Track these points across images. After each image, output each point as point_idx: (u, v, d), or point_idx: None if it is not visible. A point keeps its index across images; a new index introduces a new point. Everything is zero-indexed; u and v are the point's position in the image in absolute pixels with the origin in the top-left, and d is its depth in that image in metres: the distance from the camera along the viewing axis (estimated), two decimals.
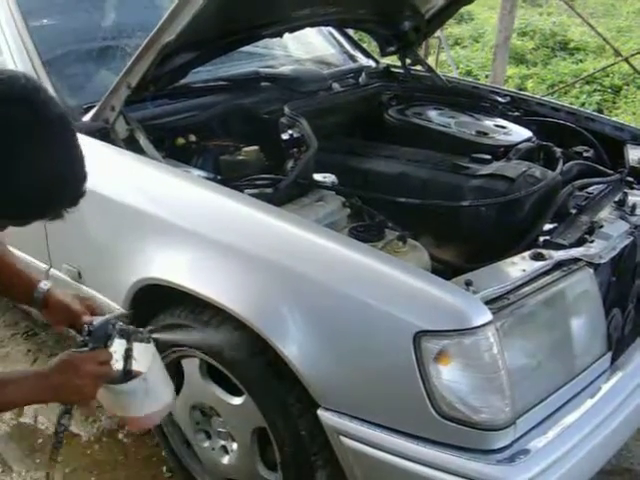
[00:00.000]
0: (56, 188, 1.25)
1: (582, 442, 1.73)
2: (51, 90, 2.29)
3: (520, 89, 7.55)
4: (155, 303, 2.04)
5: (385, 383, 1.63)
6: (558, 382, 1.76)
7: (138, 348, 1.60)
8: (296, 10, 2.49)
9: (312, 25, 2.72)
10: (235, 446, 2.07)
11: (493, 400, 1.57)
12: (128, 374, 1.57)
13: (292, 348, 1.68)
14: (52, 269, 2.39)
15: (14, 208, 1.25)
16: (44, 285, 1.71)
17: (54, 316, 1.72)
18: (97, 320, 1.55)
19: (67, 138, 1.24)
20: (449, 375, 1.56)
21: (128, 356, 1.57)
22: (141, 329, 1.63)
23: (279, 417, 1.83)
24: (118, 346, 1.57)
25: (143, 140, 2.17)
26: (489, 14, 10.81)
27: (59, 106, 1.24)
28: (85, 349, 1.51)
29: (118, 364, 1.56)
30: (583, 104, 7.08)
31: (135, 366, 1.58)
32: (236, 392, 1.96)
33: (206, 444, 2.17)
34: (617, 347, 1.99)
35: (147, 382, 1.59)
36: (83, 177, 1.29)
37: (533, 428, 1.68)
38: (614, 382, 1.93)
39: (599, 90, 7.38)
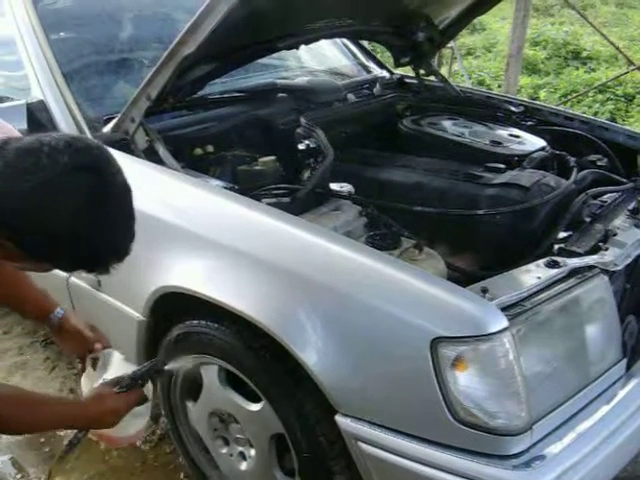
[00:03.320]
0: (109, 249, 1.36)
1: (598, 448, 1.74)
2: (71, 102, 2.39)
3: (533, 99, 7.57)
4: (175, 311, 2.07)
5: (402, 389, 1.65)
6: (573, 388, 1.77)
7: (129, 368, 1.72)
8: (311, 23, 2.53)
9: (327, 37, 2.76)
10: (253, 452, 2.09)
11: (509, 406, 1.59)
12: None
13: (311, 355, 1.70)
14: (72, 277, 2.42)
15: (69, 262, 1.37)
16: (61, 310, 1.84)
17: (67, 341, 1.84)
18: (138, 369, 1.69)
19: (126, 205, 1.35)
20: (466, 381, 1.58)
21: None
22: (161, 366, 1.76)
23: (297, 423, 1.85)
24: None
25: (162, 151, 2.21)
26: (501, 24, 10.84)
27: (123, 174, 1.34)
28: (122, 389, 1.63)
29: None
30: (596, 113, 7.08)
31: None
32: (254, 398, 1.98)
33: (224, 450, 2.19)
34: (632, 354, 2.00)
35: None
36: (132, 237, 1.39)
37: (549, 434, 1.68)
38: (630, 389, 1.93)
39: (612, 99, 7.38)
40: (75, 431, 1.69)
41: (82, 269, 1.40)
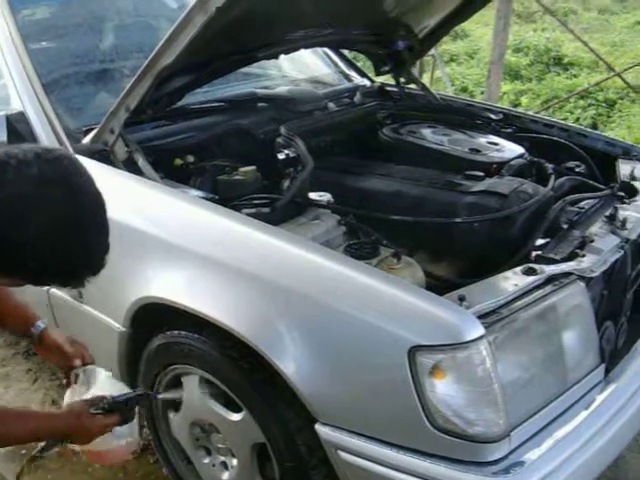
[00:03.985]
0: (82, 262, 1.35)
1: (577, 453, 1.76)
2: (51, 113, 2.38)
3: (515, 105, 7.63)
4: (155, 322, 2.07)
5: (381, 398, 1.66)
6: (552, 394, 1.79)
7: (115, 385, 1.76)
8: (291, 32, 2.54)
9: (307, 47, 2.77)
10: (235, 462, 2.09)
11: (487, 413, 1.60)
12: None
13: (289, 364, 1.71)
14: (52, 289, 2.42)
15: (41, 277, 1.36)
16: (42, 324, 1.85)
17: (47, 353, 1.86)
18: (123, 395, 1.72)
19: (99, 216, 1.34)
20: (444, 389, 1.59)
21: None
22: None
23: (278, 432, 1.85)
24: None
25: (142, 162, 2.21)
26: (484, 31, 10.90)
27: (95, 185, 1.33)
28: (97, 410, 1.64)
29: None
30: (578, 119, 7.14)
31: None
32: (235, 408, 1.98)
33: (206, 460, 2.20)
34: (610, 359, 2.02)
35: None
36: (106, 249, 1.38)
37: (528, 440, 1.70)
38: (608, 394, 1.95)
39: (593, 105, 7.44)
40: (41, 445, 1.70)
41: (56, 283, 1.41)
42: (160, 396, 1.77)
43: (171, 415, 2.24)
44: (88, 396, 1.70)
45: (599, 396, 1.93)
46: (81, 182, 1.31)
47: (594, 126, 7.03)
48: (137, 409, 1.74)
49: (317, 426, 1.76)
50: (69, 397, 1.81)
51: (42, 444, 1.69)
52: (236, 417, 1.98)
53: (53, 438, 1.66)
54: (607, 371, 1.99)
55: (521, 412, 1.69)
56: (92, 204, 1.33)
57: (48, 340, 1.84)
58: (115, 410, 1.66)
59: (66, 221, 1.28)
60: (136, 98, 2.13)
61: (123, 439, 1.75)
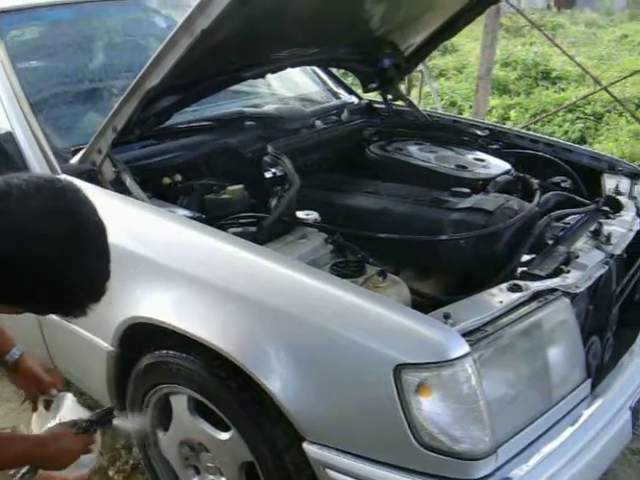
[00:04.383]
0: (85, 291, 1.37)
1: (564, 469, 1.77)
2: (39, 133, 2.39)
3: (504, 119, 7.68)
4: (144, 342, 2.08)
5: (368, 416, 1.66)
6: (538, 411, 1.80)
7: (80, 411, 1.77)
8: (277, 52, 2.56)
9: (293, 66, 2.78)
10: None
11: (473, 430, 1.61)
12: None
13: (276, 383, 1.72)
14: None
15: (44, 306, 1.40)
16: (17, 351, 1.84)
17: (22, 381, 1.86)
18: (95, 413, 1.74)
19: (100, 244, 1.36)
20: (430, 406, 1.59)
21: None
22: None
23: (266, 451, 1.85)
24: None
25: (129, 181, 2.22)
26: (473, 45, 10.99)
27: (97, 214, 1.35)
28: (79, 430, 1.65)
29: None
30: (566, 132, 7.19)
31: None
32: (224, 427, 1.98)
33: (195, 479, 2.19)
34: (597, 374, 2.04)
35: None
36: (108, 276, 1.40)
37: (514, 456, 1.71)
38: (595, 408, 1.96)
39: (581, 118, 7.50)
40: (22, 471, 1.63)
41: (58, 313, 1.41)
42: (115, 422, 1.78)
43: (160, 434, 2.24)
44: (56, 420, 1.71)
45: (586, 411, 1.94)
46: (84, 212, 1.33)
47: (582, 139, 7.09)
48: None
49: (305, 445, 1.76)
50: (36, 422, 1.82)
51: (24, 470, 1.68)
52: (224, 436, 1.98)
53: (34, 465, 1.61)
54: (594, 386, 2.00)
55: (507, 429, 1.70)
56: (94, 233, 1.35)
57: (24, 367, 1.84)
58: (90, 430, 1.68)
59: (69, 251, 1.29)
60: (123, 118, 2.14)
61: (84, 468, 1.72)
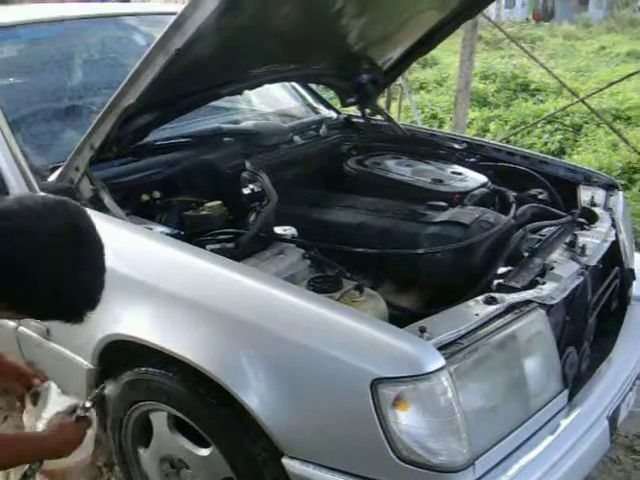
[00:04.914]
0: (85, 300, 1.49)
1: (543, 478, 1.79)
2: (17, 151, 2.39)
3: (484, 131, 7.74)
4: (123, 359, 2.07)
5: (345, 430, 1.68)
6: (515, 421, 1.81)
7: (66, 400, 1.82)
8: (254, 68, 2.58)
9: (271, 82, 2.80)
10: None
11: (450, 442, 1.63)
12: None
13: (254, 399, 1.72)
14: (21, 327, 2.41)
15: (47, 313, 1.50)
16: None
17: (3, 375, 1.92)
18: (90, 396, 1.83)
19: (100, 259, 1.49)
20: (407, 420, 1.61)
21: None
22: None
23: (245, 467, 1.86)
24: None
25: (107, 199, 2.22)
26: (453, 59, 11.09)
27: (97, 231, 1.49)
28: (80, 417, 1.74)
29: None
30: (546, 143, 7.27)
31: None
32: (204, 443, 1.98)
33: None
34: (574, 384, 2.06)
35: None
36: (103, 287, 1.51)
37: (493, 468, 1.72)
38: (572, 418, 1.99)
39: (560, 129, 7.59)
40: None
41: (59, 319, 1.51)
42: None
43: (141, 451, 2.24)
44: (46, 414, 1.77)
45: (564, 421, 1.96)
46: (88, 230, 1.47)
47: (562, 150, 7.16)
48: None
49: (284, 460, 1.76)
50: (28, 418, 1.86)
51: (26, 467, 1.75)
52: (204, 452, 1.98)
53: (40, 459, 1.70)
54: (571, 396, 2.02)
55: (485, 440, 1.72)
56: (96, 249, 1.48)
57: (3, 362, 1.90)
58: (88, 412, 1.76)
59: (73, 264, 1.42)
60: (100, 137, 2.15)
61: (84, 450, 1.79)
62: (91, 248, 1.47)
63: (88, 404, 1.77)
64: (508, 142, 6.75)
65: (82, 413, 1.74)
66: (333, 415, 1.69)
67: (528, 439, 1.84)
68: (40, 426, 1.76)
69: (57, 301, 1.43)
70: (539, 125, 7.48)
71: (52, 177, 2.35)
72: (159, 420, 2.09)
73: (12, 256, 1.36)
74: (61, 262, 1.40)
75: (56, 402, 1.81)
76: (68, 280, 1.41)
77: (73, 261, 1.41)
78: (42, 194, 1.53)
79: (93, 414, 1.80)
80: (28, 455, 1.67)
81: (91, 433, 1.79)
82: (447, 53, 11.77)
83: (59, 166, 2.35)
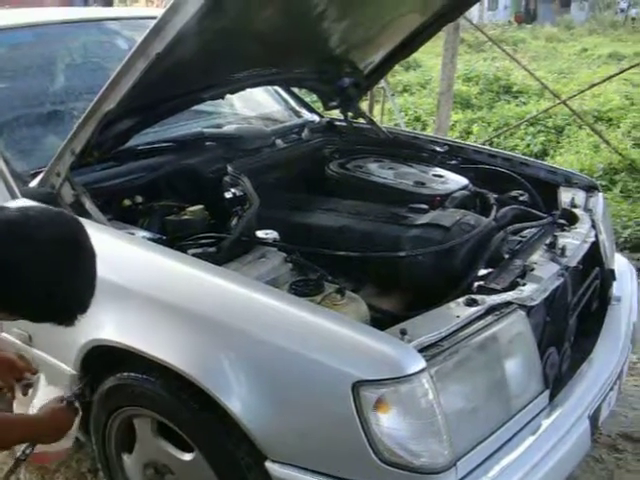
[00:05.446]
0: (78, 304, 1.57)
1: (525, 479, 1.80)
2: None
3: (467, 133, 7.77)
4: (105, 364, 2.07)
5: (327, 433, 1.68)
6: (497, 422, 1.83)
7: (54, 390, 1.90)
8: (235, 72, 2.58)
9: (252, 86, 2.80)
10: None
11: (432, 444, 1.64)
12: None
13: (236, 403, 1.73)
14: (2, 333, 2.40)
15: (42, 314, 1.58)
16: None
17: None
18: (76, 385, 1.96)
19: (93, 267, 1.59)
20: (388, 422, 1.62)
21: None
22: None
23: (229, 471, 1.86)
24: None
25: (89, 204, 2.21)
26: (436, 61, 11.11)
27: (91, 241, 1.58)
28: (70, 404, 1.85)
29: None
30: (529, 145, 7.31)
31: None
32: (187, 448, 1.98)
33: None
34: (555, 384, 2.07)
35: None
36: (93, 291, 1.59)
37: (474, 469, 1.73)
38: (554, 418, 2.00)
39: (543, 131, 7.62)
40: (22, 448, 1.82)
41: (53, 321, 1.59)
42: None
43: (125, 457, 2.23)
44: (37, 401, 1.86)
45: (545, 421, 1.98)
46: (84, 240, 1.57)
47: (544, 152, 7.20)
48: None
49: (267, 463, 1.76)
50: (19, 408, 1.94)
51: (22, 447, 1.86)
52: (188, 457, 1.98)
53: (31, 442, 1.81)
54: (552, 396, 2.04)
55: (466, 441, 1.73)
56: (90, 256, 1.57)
57: None
58: (75, 403, 1.85)
59: (72, 272, 1.52)
60: (81, 142, 2.14)
61: (69, 438, 1.89)
62: (85, 255, 1.57)
63: (77, 391, 1.87)
64: (491, 144, 6.79)
65: (72, 398, 1.83)
66: (315, 418, 1.69)
67: (509, 440, 1.85)
68: (32, 413, 1.84)
69: (51, 303, 1.51)
70: (522, 127, 7.52)
71: (33, 183, 2.34)
72: (142, 425, 2.09)
73: (9, 259, 1.45)
74: (57, 267, 1.49)
75: (47, 392, 1.89)
76: (63, 283, 1.50)
77: (68, 266, 1.51)
78: (43, 206, 1.64)
79: (78, 406, 1.86)
80: (18, 436, 1.76)
81: (77, 422, 1.87)
82: (430, 56, 11.80)
83: (41, 171, 2.34)
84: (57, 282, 1.50)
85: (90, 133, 2.11)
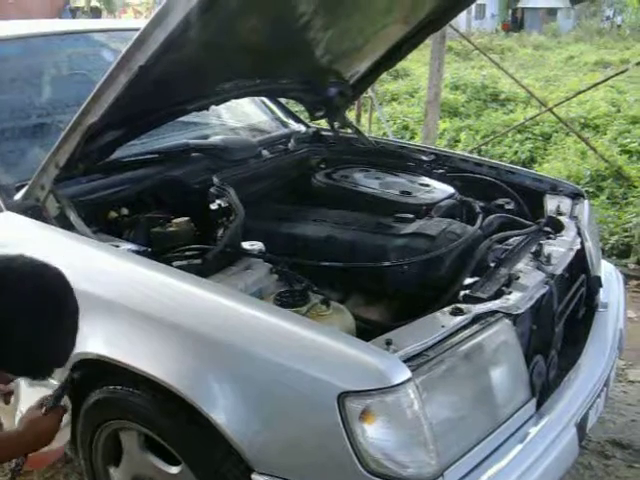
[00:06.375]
0: (56, 361, 1.60)
1: None
2: None
3: (455, 141, 7.80)
4: (92, 377, 2.06)
5: (314, 445, 1.67)
6: (484, 431, 1.83)
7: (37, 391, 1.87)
8: (220, 83, 2.58)
9: (238, 97, 2.79)
10: None
11: (418, 454, 1.63)
12: None
13: (221, 415, 1.72)
14: None
15: (19, 368, 1.59)
16: None
17: None
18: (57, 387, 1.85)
19: (73, 322, 1.59)
20: (374, 433, 1.61)
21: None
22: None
23: None
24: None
25: (74, 217, 2.19)
26: (424, 70, 11.16)
27: (74, 295, 1.58)
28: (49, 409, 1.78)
29: None
30: (516, 152, 7.35)
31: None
32: (174, 461, 1.97)
33: None
34: (542, 392, 2.07)
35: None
36: (73, 347, 1.62)
37: (462, 478, 1.73)
38: (541, 427, 2.00)
39: (530, 138, 7.68)
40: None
41: (28, 376, 1.65)
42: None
43: (112, 470, 2.21)
44: (23, 406, 1.84)
45: (532, 429, 1.98)
46: (66, 294, 1.56)
47: (532, 159, 7.24)
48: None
49: (254, 476, 1.75)
50: (3, 417, 1.97)
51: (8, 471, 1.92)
52: (175, 470, 1.97)
53: (20, 455, 1.79)
54: (539, 404, 2.04)
55: (453, 451, 1.72)
56: (72, 312, 1.58)
57: None
58: (57, 403, 1.80)
59: (50, 327, 1.52)
60: (65, 155, 2.13)
61: (63, 433, 1.86)
62: (67, 312, 1.57)
63: (57, 392, 1.81)
64: (479, 152, 6.83)
65: (50, 404, 1.77)
66: (301, 429, 1.68)
67: (497, 448, 1.85)
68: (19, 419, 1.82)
69: (28, 360, 1.53)
70: (509, 135, 7.57)
71: (18, 195, 2.33)
72: (129, 438, 2.08)
73: None
74: (38, 322, 1.48)
75: (29, 394, 1.87)
76: (41, 342, 1.50)
77: (48, 324, 1.50)
78: (26, 255, 1.58)
79: (66, 400, 1.83)
80: (5, 455, 1.75)
81: (67, 419, 1.86)
82: (418, 64, 11.86)
83: (26, 184, 2.33)
84: (36, 337, 1.49)
85: (74, 146, 2.10)
